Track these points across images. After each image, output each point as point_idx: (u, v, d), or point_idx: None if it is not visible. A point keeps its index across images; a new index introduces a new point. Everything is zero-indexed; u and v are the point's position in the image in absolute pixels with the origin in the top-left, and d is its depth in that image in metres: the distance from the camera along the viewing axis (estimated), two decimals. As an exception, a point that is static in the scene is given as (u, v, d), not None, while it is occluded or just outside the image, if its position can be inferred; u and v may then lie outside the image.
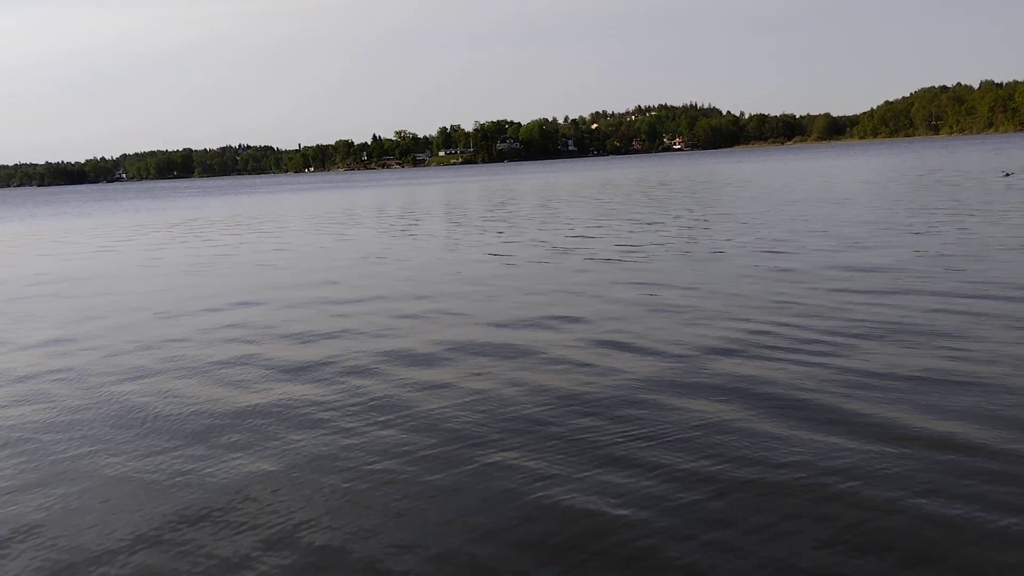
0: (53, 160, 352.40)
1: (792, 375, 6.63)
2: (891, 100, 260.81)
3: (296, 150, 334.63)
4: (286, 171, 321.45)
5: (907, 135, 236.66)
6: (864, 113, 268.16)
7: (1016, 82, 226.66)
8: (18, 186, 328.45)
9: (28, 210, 65.95)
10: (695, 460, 4.97)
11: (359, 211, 35.35)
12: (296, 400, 6.60)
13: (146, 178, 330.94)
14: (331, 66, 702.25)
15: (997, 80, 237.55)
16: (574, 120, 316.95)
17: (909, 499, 4.34)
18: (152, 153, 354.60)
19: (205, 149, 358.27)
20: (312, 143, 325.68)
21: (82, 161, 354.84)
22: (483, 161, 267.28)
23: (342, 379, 7.20)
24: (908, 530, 4.02)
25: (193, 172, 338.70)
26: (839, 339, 7.67)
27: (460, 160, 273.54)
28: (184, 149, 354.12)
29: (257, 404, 6.60)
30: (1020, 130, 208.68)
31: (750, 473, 4.72)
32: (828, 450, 5.03)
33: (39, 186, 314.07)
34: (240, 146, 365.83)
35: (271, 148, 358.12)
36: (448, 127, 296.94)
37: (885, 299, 9.26)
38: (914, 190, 27.43)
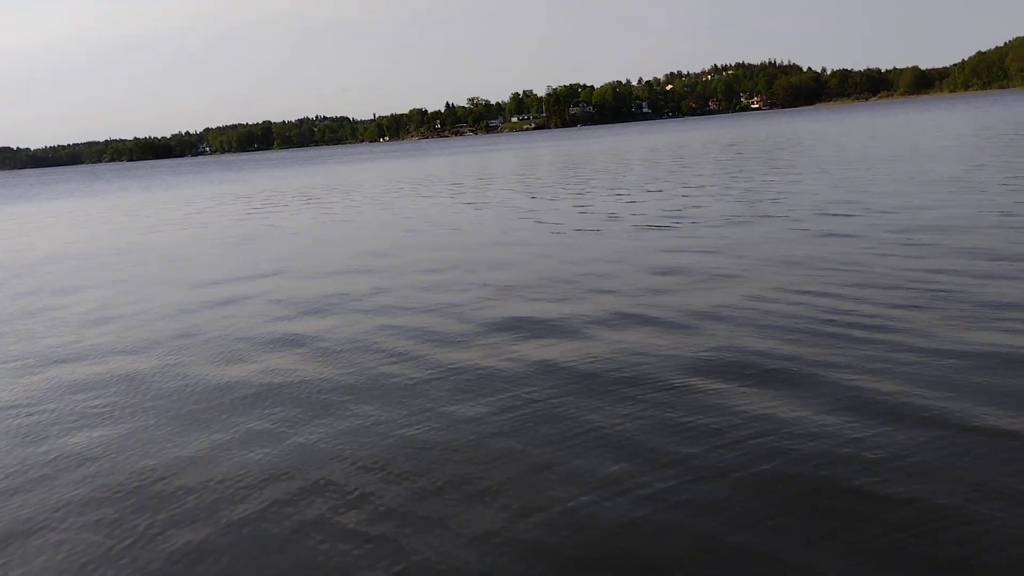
0: (141, 136, 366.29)
1: (847, 357, 6.03)
2: (983, 51, 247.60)
3: (371, 120, 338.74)
4: (361, 141, 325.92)
5: (1001, 87, 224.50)
6: (955, 65, 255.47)
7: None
8: (109, 161, 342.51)
9: (119, 183, 68.78)
10: (730, 454, 4.53)
11: (428, 181, 35.84)
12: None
13: (228, 151, 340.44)
14: (403, 35, 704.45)
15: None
16: (648, 82, 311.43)
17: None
18: (233, 127, 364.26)
19: (283, 121, 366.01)
20: (386, 113, 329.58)
21: (168, 136, 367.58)
22: (556, 126, 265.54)
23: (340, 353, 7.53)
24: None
25: (272, 144, 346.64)
26: (896, 313, 7.02)
27: (533, 125, 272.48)
28: (263, 122, 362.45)
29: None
30: None
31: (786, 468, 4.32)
32: (885, 442, 4.50)
33: (128, 161, 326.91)
34: (317, 117, 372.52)
35: (346, 119, 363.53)
36: (520, 93, 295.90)
37: (952, 264, 8.98)
38: (1001, 146, 26.34)
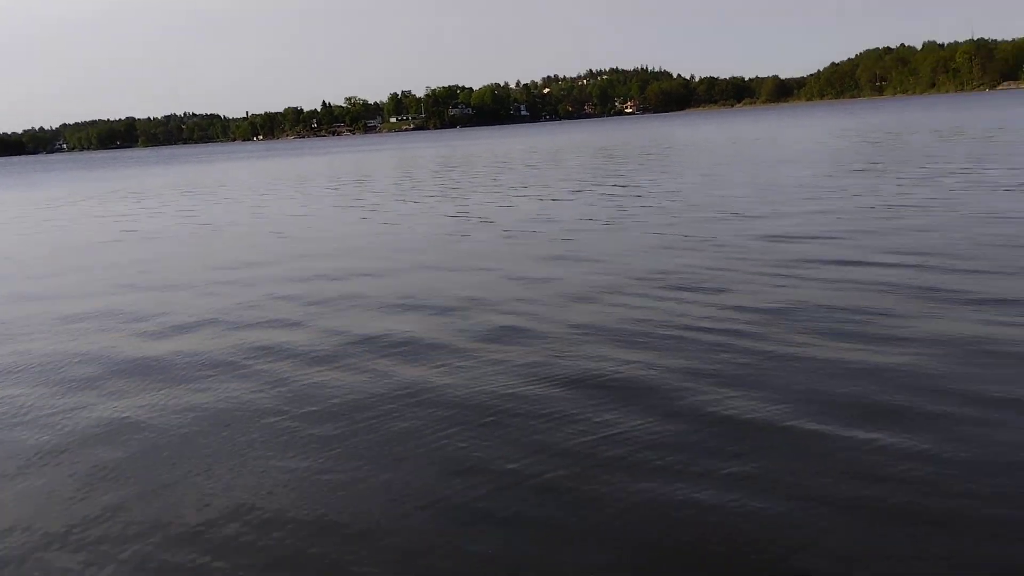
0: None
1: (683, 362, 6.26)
2: (837, 62, 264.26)
3: (244, 118, 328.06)
4: (234, 140, 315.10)
5: (852, 96, 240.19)
6: (811, 75, 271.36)
7: (957, 43, 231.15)
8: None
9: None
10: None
11: (290, 182, 35.03)
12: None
13: (88, 148, 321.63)
14: (279, 31, 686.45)
15: (939, 41, 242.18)
16: (526, 85, 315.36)
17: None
18: (93, 123, 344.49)
19: (149, 118, 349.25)
20: (260, 111, 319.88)
21: (19, 132, 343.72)
22: (435, 127, 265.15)
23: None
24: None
25: (137, 142, 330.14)
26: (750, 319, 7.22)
27: (412, 126, 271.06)
28: (127, 118, 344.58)
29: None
30: (960, 90, 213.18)
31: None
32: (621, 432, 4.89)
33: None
34: (185, 114, 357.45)
35: (218, 116, 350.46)
36: (399, 93, 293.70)
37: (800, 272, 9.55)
38: (854, 152, 28.12)
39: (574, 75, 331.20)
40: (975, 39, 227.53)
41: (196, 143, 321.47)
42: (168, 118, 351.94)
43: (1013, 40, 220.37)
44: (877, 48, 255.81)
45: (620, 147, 46.44)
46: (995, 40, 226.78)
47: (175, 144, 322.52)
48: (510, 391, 5.75)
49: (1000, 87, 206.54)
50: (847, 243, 10.67)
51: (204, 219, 20.55)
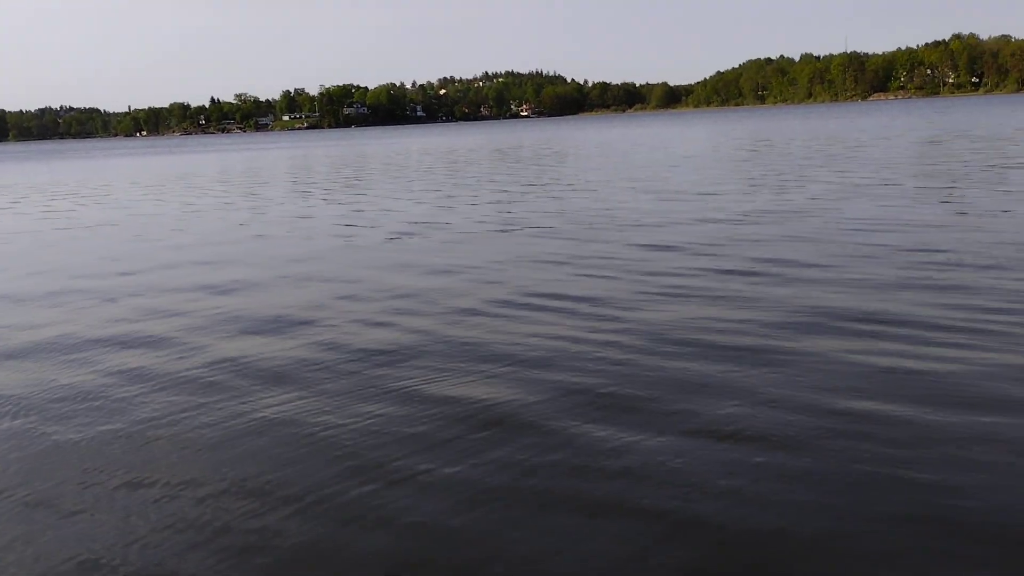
0: None
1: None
2: (722, 71, 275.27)
3: (126, 113, 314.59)
4: (115, 135, 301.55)
5: (737, 104, 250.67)
6: (698, 83, 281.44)
7: (832, 55, 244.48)
8: None
9: None
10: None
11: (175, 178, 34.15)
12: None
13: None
14: (164, 22, 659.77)
15: (816, 53, 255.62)
16: (422, 85, 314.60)
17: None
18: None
19: (21, 111, 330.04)
20: (144, 106, 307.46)
21: None
22: (329, 126, 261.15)
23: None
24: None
25: (7, 136, 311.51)
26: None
27: (306, 125, 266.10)
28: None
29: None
30: (834, 100, 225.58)
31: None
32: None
33: None
34: (62, 108, 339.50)
35: (97, 110, 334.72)
36: (292, 91, 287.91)
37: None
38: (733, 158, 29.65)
39: (470, 77, 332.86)
40: (848, 52, 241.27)
41: (74, 138, 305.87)
42: (43, 111, 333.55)
43: (883, 54, 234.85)
44: (759, 58, 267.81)
45: (512, 150, 47.29)
46: (867, 53, 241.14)
47: (50, 139, 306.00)
48: (386, 416, 5.40)
49: (871, 98, 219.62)
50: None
51: (62, 222, 19.50)
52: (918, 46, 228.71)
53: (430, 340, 7.21)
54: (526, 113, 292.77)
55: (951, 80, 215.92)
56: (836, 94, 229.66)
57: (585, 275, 9.65)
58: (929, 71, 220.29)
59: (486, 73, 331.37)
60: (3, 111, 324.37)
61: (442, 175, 29.67)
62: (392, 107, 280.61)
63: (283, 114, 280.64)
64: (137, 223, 18.52)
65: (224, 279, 10.75)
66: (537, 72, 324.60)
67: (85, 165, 59.42)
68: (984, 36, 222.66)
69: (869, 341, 6.44)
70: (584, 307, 8.05)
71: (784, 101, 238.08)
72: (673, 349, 6.54)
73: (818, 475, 4.21)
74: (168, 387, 6.29)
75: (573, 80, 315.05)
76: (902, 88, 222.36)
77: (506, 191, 21.50)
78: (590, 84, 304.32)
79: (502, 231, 14.04)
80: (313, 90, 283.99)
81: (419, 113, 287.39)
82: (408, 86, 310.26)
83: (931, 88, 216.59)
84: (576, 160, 35.20)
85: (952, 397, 5.17)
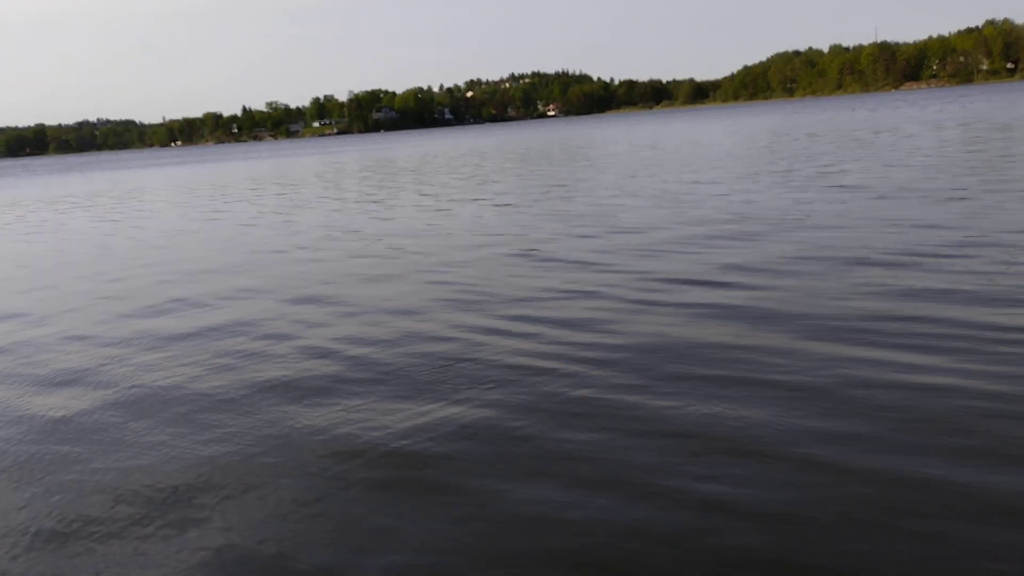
0: None
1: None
2: (749, 65, 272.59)
3: (160, 123, 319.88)
4: (150, 146, 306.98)
5: (765, 98, 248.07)
6: (725, 78, 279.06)
7: (861, 46, 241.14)
8: None
9: None
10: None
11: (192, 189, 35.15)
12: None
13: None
14: (196, 35, 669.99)
15: (845, 44, 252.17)
16: (449, 88, 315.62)
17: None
18: (0, 130, 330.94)
19: (60, 124, 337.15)
20: (178, 116, 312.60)
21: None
22: (359, 131, 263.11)
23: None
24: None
25: (48, 149, 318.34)
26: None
27: (335, 131, 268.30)
28: (36, 125, 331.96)
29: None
30: (865, 91, 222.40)
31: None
32: None
33: None
34: (99, 120, 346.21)
35: (133, 122, 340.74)
36: (321, 97, 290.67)
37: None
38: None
39: (497, 78, 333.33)
40: (879, 42, 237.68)
41: (111, 149, 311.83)
42: (81, 124, 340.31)
43: (915, 42, 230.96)
44: (787, 51, 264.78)
45: (533, 151, 47.77)
46: (897, 43, 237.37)
47: (88, 151, 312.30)
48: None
49: (903, 87, 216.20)
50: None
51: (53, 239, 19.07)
52: (950, 33, 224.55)
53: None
54: (553, 113, 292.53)
55: (985, 67, 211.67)
56: (867, 84, 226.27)
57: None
58: (962, 58, 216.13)
59: (512, 74, 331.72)
60: (43, 125, 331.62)
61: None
62: (420, 111, 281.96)
63: (313, 121, 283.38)
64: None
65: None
66: (563, 72, 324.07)
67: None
68: (1018, 21, 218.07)
69: None
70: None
71: (813, 93, 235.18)
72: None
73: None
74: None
75: (599, 79, 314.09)
76: (934, 77, 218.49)
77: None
78: (616, 82, 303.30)
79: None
80: (342, 96, 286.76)
81: (447, 116, 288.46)
82: (436, 89, 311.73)
83: (964, 76, 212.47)
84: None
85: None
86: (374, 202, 20.72)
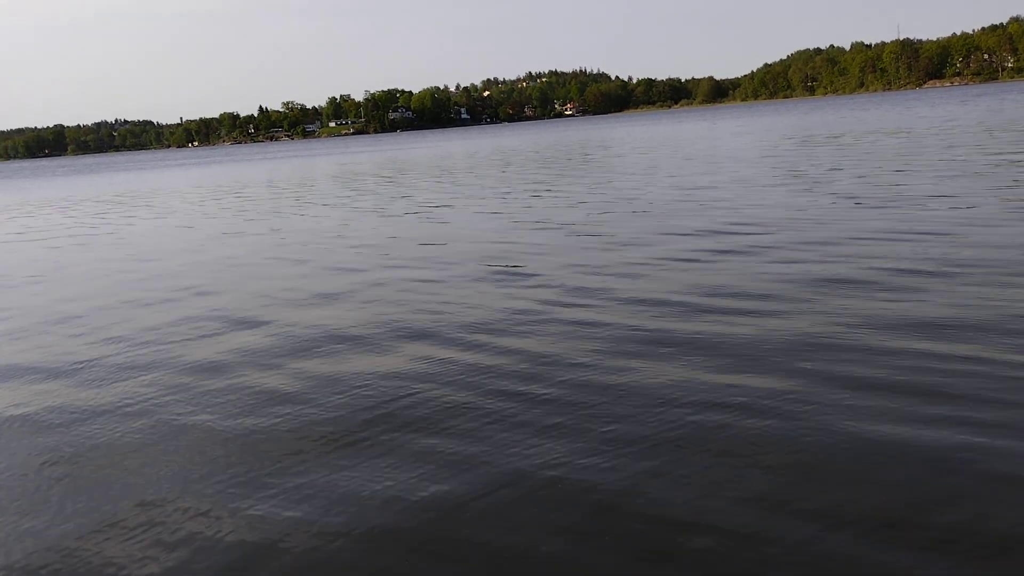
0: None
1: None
2: (769, 63, 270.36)
3: (178, 124, 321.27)
4: (168, 146, 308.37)
5: (785, 96, 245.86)
6: (745, 76, 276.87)
7: (884, 43, 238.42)
8: None
9: None
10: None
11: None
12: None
13: (14, 158, 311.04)
14: (210, 35, 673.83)
15: (867, 41, 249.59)
16: (466, 88, 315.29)
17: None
18: (19, 131, 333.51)
19: (78, 125, 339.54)
20: (194, 116, 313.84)
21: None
22: (375, 131, 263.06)
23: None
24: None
25: (66, 150, 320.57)
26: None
27: (351, 131, 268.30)
28: (55, 126, 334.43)
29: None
30: (887, 89, 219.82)
31: None
32: None
33: None
34: (117, 121, 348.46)
35: (150, 122, 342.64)
36: (338, 97, 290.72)
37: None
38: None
39: (514, 77, 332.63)
40: (901, 39, 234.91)
41: (129, 150, 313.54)
42: (99, 125, 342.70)
43: (938, 40, 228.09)
44: (808, 49, 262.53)
45: (548, 150, 46.59)
46: (920, 40, 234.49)
47: (106, 152, 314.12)
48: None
49: (926, 85, 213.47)
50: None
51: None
52: (974, 30, 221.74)
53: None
54: (570, 112, 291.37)
55: (1010, 64, 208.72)
56: (889, 83, 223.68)
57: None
58: (986, 56, 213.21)
59: (529, 73, 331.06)
60: (62, 127, 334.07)
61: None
62: (436, 110, 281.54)
63: (329, 121, 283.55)
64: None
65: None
66: (581, 70, 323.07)
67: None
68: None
69: None
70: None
71: (835, 92, 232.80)
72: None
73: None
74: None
75: (617, 77, 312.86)
76: (958, 75, 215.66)
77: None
78: (634, 81, 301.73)
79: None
80: (358, 96, 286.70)
81: (463, 116, 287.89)
82: (452, 89, 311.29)
83: (988, 74, 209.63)
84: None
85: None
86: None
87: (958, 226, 10.37)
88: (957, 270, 7.98)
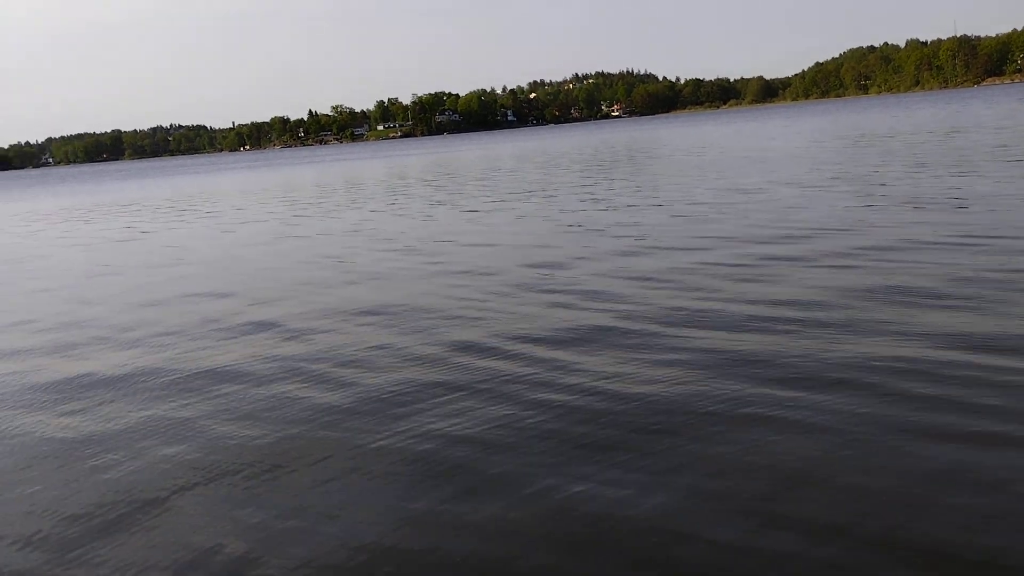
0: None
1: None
2: (821, 61, 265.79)
3: (230, 128, 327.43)
4: (220, 151, 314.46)
5: (838, 95, 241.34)
6: (796, 75, 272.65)
7: (940, 40, 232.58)
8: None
9: None
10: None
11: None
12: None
13: (74, 162, 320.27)
14: (263, 42, 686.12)
15: (922, 39, 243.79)
16: (512, 90, 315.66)
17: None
18: (79, 136, 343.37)
19: (135, 130, 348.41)
20: (246, 121, 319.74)
21: (5, 147, 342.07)
22: (422, 134, 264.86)
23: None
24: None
25: (123, 154, 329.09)
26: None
27: (399, 134, 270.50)
28: (113, 131, 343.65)
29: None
30: (944, 87, 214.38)
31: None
32: None
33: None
34: (172, 126, 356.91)
35: (204, 127, 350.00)
36: (386, 100, 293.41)
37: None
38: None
39: (560, 79, 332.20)
40: (958, 36, 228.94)
41: (183, 154, 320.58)
42: (154, 130, 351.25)
43: (996, 36, 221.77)
44: (861, 47, 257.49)
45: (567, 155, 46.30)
46: (978, 36, 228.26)
47: (161, 156, 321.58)
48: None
49: (984, 83, 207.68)
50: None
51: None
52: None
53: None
54: (617, 113, 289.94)
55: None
56: (946, 80, 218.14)
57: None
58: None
59: (576, 75, 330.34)
60: (119, 132, 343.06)
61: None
62: (483, 113, 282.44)
63: (377, 124, 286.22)
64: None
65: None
66: (628, 71, 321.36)
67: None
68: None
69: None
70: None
71: (889, 90, 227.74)
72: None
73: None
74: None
75: (665, 78, 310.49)
76: (1019, 71, 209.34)
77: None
78: (682, 81, 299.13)
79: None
80: (406, 99, 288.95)
81: (510, 118, 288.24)
82: (499, 91, 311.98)
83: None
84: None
85: None
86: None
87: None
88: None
